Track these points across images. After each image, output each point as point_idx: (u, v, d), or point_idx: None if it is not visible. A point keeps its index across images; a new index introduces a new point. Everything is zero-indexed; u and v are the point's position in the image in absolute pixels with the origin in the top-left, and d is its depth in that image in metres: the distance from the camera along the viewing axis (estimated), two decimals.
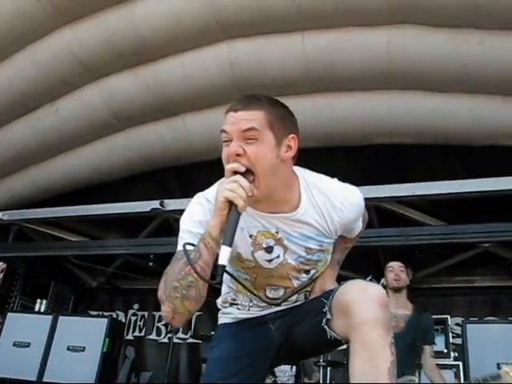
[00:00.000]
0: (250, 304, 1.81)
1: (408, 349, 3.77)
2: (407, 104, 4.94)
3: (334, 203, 1.67)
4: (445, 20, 4.34)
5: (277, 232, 1.65)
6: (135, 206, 5.67)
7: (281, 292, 1.75)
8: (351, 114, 5.08)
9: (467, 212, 4.97)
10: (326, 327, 1.59)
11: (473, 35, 4.36)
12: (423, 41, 4.47)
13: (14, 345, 5.83)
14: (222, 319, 1.88)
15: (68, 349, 5.67)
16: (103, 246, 6.15)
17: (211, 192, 1.66)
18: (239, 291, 1.81)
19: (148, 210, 5.54)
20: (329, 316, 1.59)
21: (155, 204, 5.47)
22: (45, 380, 5.54)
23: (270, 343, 1.77)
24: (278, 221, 1.64)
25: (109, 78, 5.28)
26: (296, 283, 1.74)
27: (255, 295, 1.74)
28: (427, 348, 4.02)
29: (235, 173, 1.51)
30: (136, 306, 7.56)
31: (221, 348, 1.79)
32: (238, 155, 1.52)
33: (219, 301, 1.91)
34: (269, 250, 1.66)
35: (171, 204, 5.50)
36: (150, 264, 5.98)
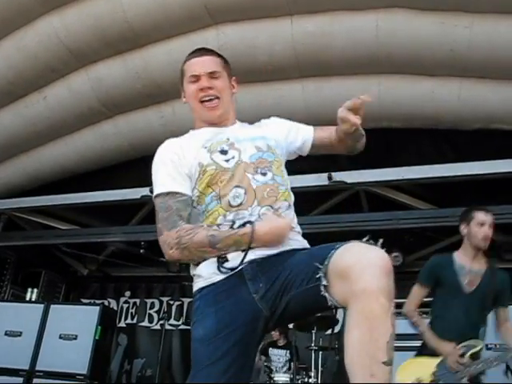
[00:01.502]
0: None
1: (478, 309, 3.44)
2: (396, 88, 4.94)
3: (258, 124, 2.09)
4: (433, 3, 4.34)
5: (228, 139, 1.92)
6: (126, 193, 5.66)
7: (242, 196, 1.77)
8: (340, 99, 5.04)
9: (456, 195, 5.00)
10: (327, 295, 1.52)
11: (461, 19, 4.36)
12: (412, 25, 4.46)
13: (6, 334, 5.83)
14: (196, 284, 1.82)
15: (60, 337, 5.68)
16: (94, 234, 6.14)
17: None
18: (213, 222, 1.81)
19: (138, 196, 5.53)
20: (325, 282, 1.52)
21: (145, 191, 5.46)
22: (37, 368, 5.56)
23: (256, 314, 1.68)
24: (225, 129, 1.97)
25: (97, 65, 5.24)
26: (254, 183, 1.79)
27: (221, 207, 1.79)
28: (501, 310, 3.57)
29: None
30: (128, 294, 7.57)
31: (204, 325, 1.72)
32: (209, 88, 1.97)
33: (191, 267, 1.89)
34: (224, 152, 1.87)
35: None
36: (142, 251, 5.99)
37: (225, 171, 1.81)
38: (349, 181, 4.80)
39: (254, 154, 1.86)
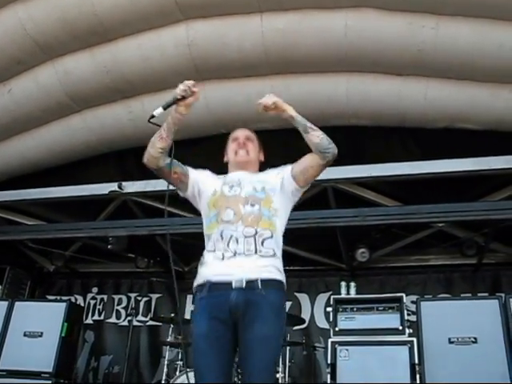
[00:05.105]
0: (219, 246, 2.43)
1: None
2: (365, 86, 5.00)
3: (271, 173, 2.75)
4: (401, 4, 4.41)
5: (238, 179, 2.62)
6: (93, 188, 5.60)
7: (231, 215, 2.47)
8: (309, 96, 5.11)
9: (422, 193, 5.10)
10: None
11: (428, 20, 4.44)
12: (380, 24, 4.53)
13: None
14: (196, 280, 2.45)
15: (25, 335, 5.57)
16: (61, 230, 6.06)
17: None
18: (211, 232, 2.49)
19: (106, 192, 5.48)
20: None
21: (113, 186, 5.42)
22: (0, 368, 5.44)
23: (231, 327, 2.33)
24: (243, 174, 2.66)
25: (64, 58, 5.17)
26: (242, 210, 2.48)
27: (217, 222, 2.49)
28: None
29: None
30: (95, 290, 7.49)
31: (200, 326, 2.34)
32: (244, 144, 2.74)
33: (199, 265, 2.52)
34: (231, 187, 2.59)
35: (129, 186, 5.46)
36: (109, 247, 5.93)
37: (225, 197, 2.55)
38: (317, 177, 4.84)
39: (249, 191, 2.55)
